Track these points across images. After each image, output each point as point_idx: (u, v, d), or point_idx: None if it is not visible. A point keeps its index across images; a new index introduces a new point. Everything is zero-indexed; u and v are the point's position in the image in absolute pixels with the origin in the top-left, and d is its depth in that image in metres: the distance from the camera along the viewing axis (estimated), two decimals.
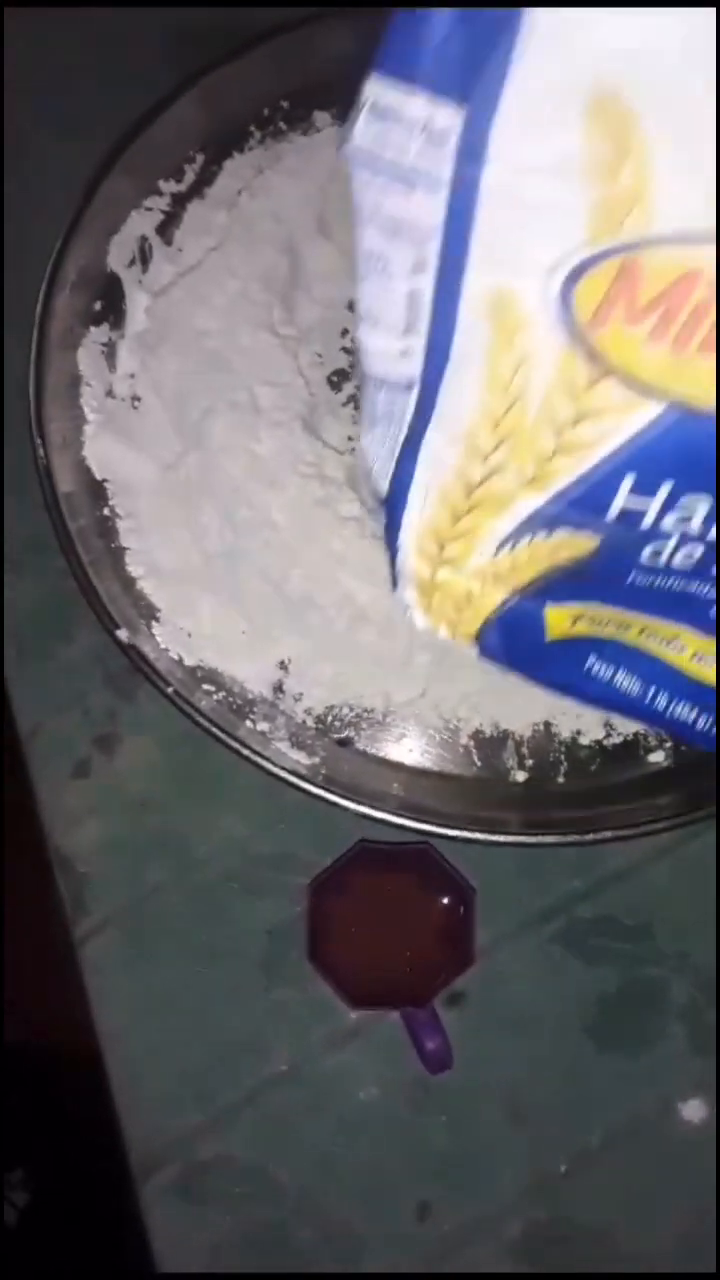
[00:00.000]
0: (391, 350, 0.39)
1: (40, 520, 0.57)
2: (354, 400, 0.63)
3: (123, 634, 0.55)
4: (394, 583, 0.48)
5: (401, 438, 0.42)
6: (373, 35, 0.67)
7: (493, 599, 0.45)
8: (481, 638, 0.47)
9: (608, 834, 0.53)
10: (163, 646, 0.58)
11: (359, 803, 0.53)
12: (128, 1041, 0.54)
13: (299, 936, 0.53)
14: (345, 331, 0.65)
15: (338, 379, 0.64)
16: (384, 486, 0.45)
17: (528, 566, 0.43)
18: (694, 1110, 0.54)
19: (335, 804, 0.53)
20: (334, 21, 0.69)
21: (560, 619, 0.45)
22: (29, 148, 0.71)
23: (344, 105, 0.69)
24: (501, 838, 0.53)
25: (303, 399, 0.61)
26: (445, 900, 0.51)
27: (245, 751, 0.53)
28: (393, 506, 0.44)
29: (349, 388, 0.64)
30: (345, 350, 0.65)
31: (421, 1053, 0.51)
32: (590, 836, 0.53)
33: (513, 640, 0.46)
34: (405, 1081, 0.53)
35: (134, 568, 0.60)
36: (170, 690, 0.54)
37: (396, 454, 0.43)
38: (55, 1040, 0.52)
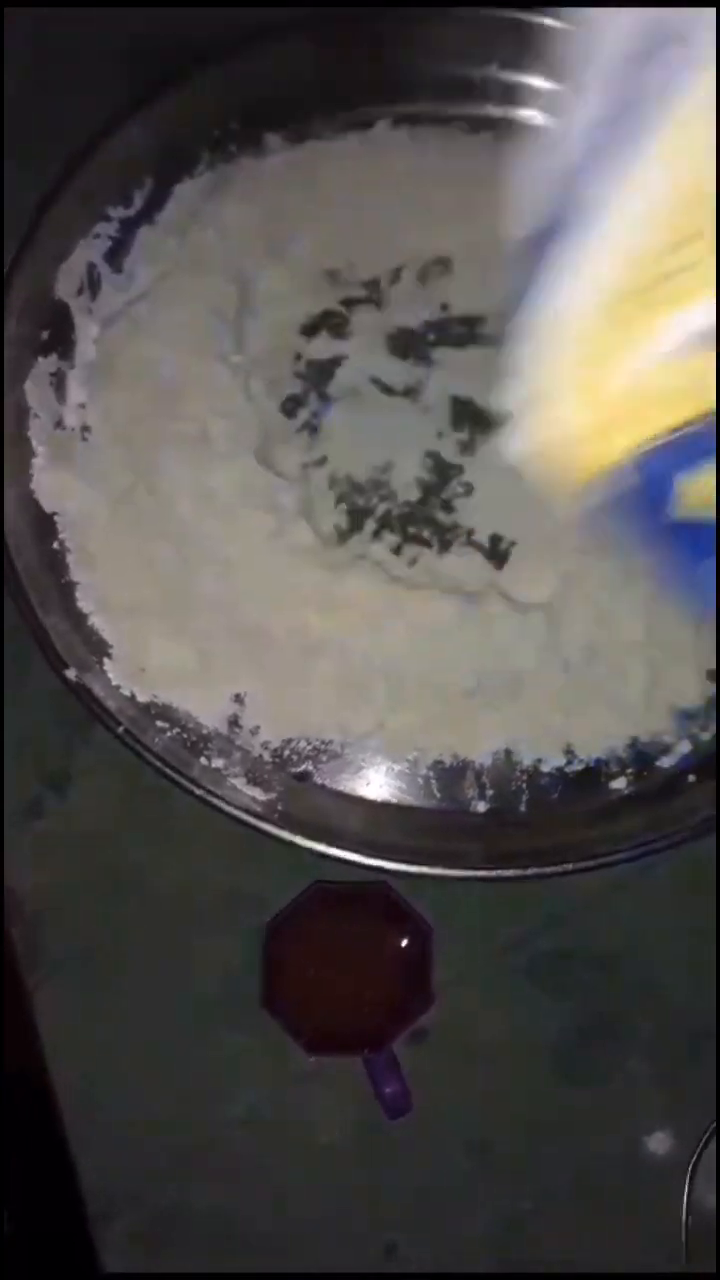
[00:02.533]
0: None
1: None
2: (308, 427, 0.63)
3: (71, 673, 0.54)
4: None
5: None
6: (325, 53, 0.68)
7: (624, 440, 0.37)
8: (590, 491, 0.39)
9: (569, 867, 0.53)
10: (114, 683, 0.57)
11: (317, 840, 0.52)
12: (84, 1088, 0.53)
13: (255, 977, 0.52)
14: (298, 356, 0.64)
15: (291, 405, 0.63)
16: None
17: (680, 402, 0.35)
18: (660, 1143, 0.53)
19: (292, 843, 0.52)
20: (286, 39, 0.68)
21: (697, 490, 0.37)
22: None
23: (295, 126, 0.69)
24: (463, 872, 0.53)
25: (254, 428, 0.61)
26: (403, 941, 0.50)
27: (198, 791, 0.53)
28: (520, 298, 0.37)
29: (303, 414, 0.63)
30: (298, 375, 0.64)
31: (380, 1097, 0.50)
32: (551, 870, 0.52)
33: (629, 504, 0.39)
34: (368, 1122, 0.52)
35: (84, 603, 0.59)
36: (121, 730, 0.53)
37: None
38: (9, 1088, 0.51)
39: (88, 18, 0.71)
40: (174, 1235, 0.52)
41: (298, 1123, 0.53)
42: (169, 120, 0.67)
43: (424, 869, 0.52)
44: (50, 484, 0.61)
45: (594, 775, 0.58)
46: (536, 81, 0.69)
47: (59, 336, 0.64)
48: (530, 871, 0.52)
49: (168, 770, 0.53)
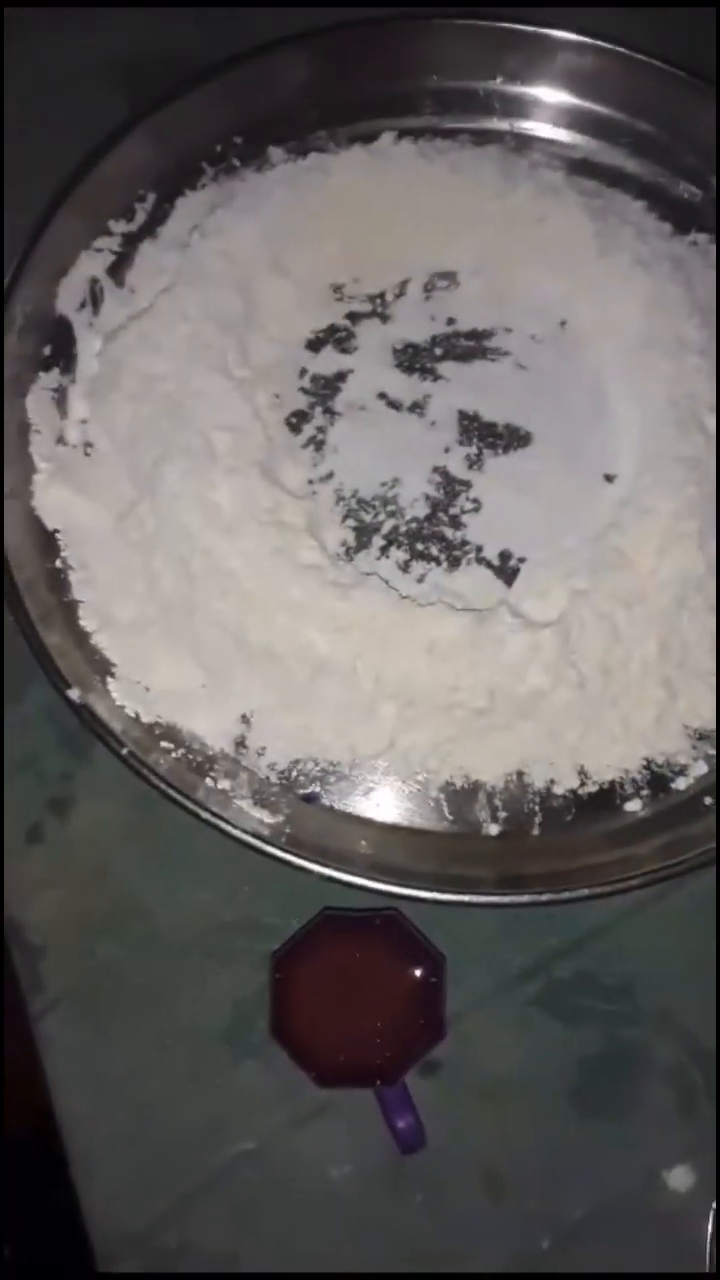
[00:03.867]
0: None
1: None
2: (314, 442, 0.62)
3: (74, 693, 0.53)
4: None
5: None
6: (327, 66, 0.67)
7: None
8: None
9: (584, 892, 0.51)
10: (119, 703, 0.56)
11: (325, 865, 0.51)
12: (88, 1123, 0.51)
13: (264, 1007, 0.50)
14: (304, 371, 0.64)
15: (296, 420, 0.62)
16: None
17: None
18: (680, 1178, 0.51)
19: (300, 868, 0.50)
20: (289, 51, 0.68)
21: None
22: None
23: (299, 138, 0.68)
24: (475, 898, 0.51)
25: (259, 443, 0.60)
26: (415, 971, 0.49)
27: (204, 814, 0.51)
28: None
29: (308, 429, 0.62)
30: (304, 390, 0.63)
31: (393, 1132, 0.48)
32: (566, 895, 0.51)
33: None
34: (379, 1157, 0.50)
35: (87, 621, 0.57)
36: (125, 751, 0.52)
37: None
38: (12, 1123, 0.49)
39: (89, 30, 0.71)
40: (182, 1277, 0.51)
41: (308, 1158, 0.51)
42: (171, 133, 0.66)
43: (435, 894, 0.51)
44: (52, 500, 0.60)
45: (608, 797, 0.56)
46: (543, 93, 0.69)
47: (61, 351, 0.63)
48: (545, 897, 0.51)
49: (173, 793, 0.51)
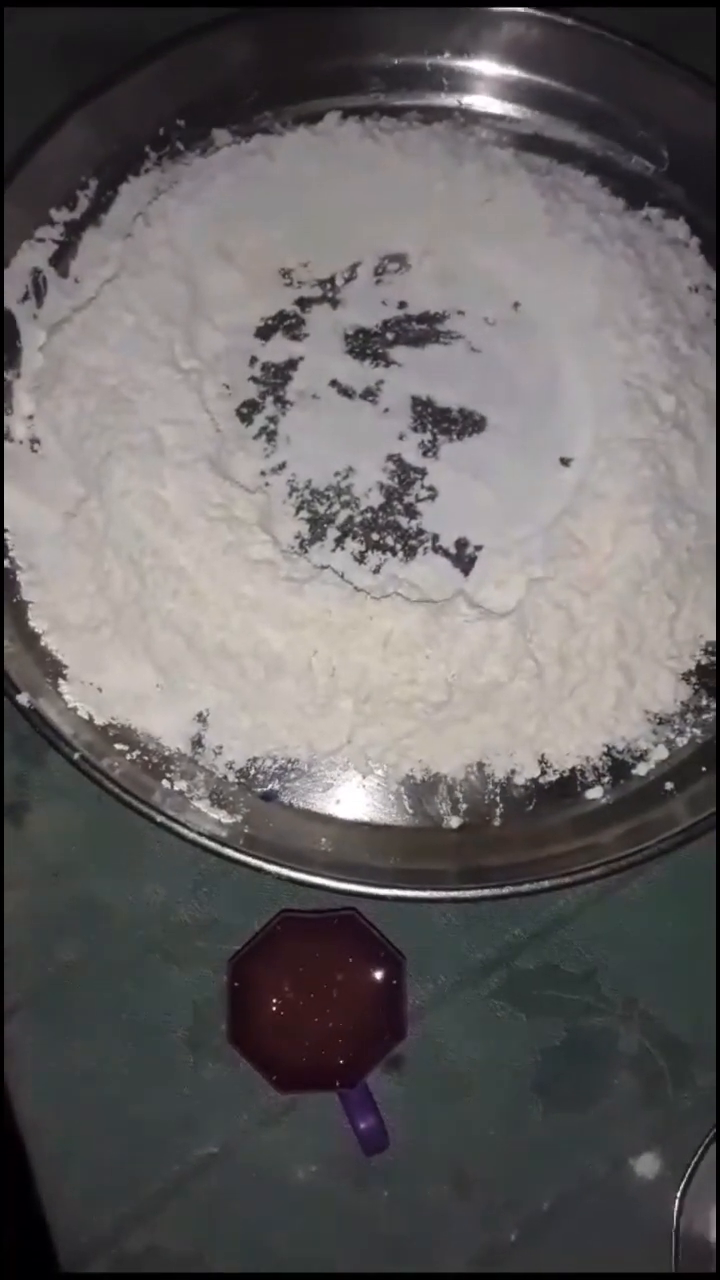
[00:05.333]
0: None
1: None
2: (265, 433, 0.61)
3: (23, 698, 0.52)
4: None
5: None
6: (269, 45, 0.66)
7: None
8: None
9: (545, 884, 0.51)
10: (71, 705, 0.55)
11: (284, 866, 0.50)
12: (51, 1127, 0.51)
13: (225, 1009, 0.50)
14: (253, 360, 0.62)
15: (247, 410, 0.61)
16: None
17: None
18: (647, 1165, 0.52)
19: (258, 869, 0.50)
20: (231, 30, 0.66)
21: None
22: None
23: (244, 120, 0.67)
24: (436, 894, 0.51)
25: (209, 436, 0.59)
26: (374, 972, 0.48)
27: (160, 818, 0.51)
28: None
29: (259, 419, 0.61)
30: (254, 380, 0.62)
31: (356, 1133, 0.48)
32: (527, 887, 0.51)
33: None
34: (345, 1156, 0.50)
35: (37, 622, 0.57)
36: (77, 756, 0.51)
37: None
38: None
39: (21, 16, 0.69)
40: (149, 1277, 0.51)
41: (273, 1158, 0.51)
42: (112, 117, 0.65)
43: (396, 891, 0.50)
44: None
45: (569, 785, 0.56)
46: (490, 68, 0.68)
47: (4, 346, 0.61)
48: (506, 890, 0.51)
49: (128, 798, 0.51)
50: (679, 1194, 0.50)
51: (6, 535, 0.58)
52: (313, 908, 0.52)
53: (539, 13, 0.65)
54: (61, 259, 0.64)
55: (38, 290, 0.63)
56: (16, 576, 0.57)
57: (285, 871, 0.50)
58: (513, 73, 0.67)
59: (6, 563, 0.58)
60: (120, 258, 0.62)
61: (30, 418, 0.61)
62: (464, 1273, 0.51)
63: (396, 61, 0.68)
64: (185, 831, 0.51)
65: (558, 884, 0.51)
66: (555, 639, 0.55)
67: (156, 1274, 0.51)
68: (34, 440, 0.60)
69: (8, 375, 0.61)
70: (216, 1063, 0.51)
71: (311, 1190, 0.50)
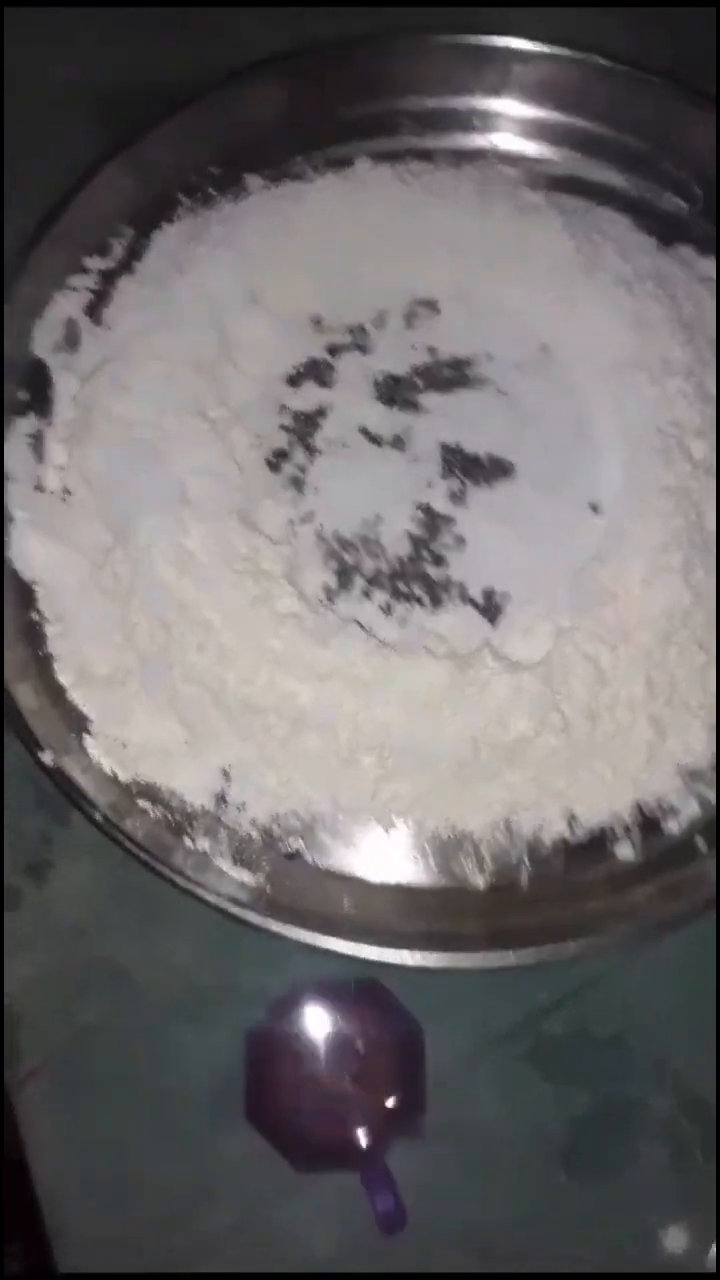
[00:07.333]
0: None
1: None
2: (295, 482, 0.60)
3: (48, 757, 0.52)
4: None
5: None
6: (300, 92, 0.66)
7: None
8: None
9: (573, 947, 0.50)
10: (96, 761, 0.55)
11: (307, 930, 0.50)
12: (68, 1194, 0.50)
13: (243, 1076, 0.49)
14: (283, 407, 0.62)
15: (276, 459, 0.61)
16: None
17: None
18: (675, 1239, 0.50)
19: (280, 935, 0.49)
20: (262, 77, 0.66)
21: None
22: None
23: (276, 166, 0.67)
24: (462, 962, 0.50)
25: (236, 486, 0.58)
26: (394, 1047, 0.47)
27: (181, 881, 0.50)
28: None
29: (288, 467, 0.61)
30: (283, 428, 0.62)
31: (374, 1212, 0.47)
32: (555, 954, 0.50)
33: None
34: (364, 1227, 0.49)
35: (63, 675, 0.57)
36: (99, 817, 0.51)
37: None
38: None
39: (58, 64, 0.70)
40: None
41: (291, 1231, 0.50)
42: (148, 165, 0.65)
43: (422, 958, 0.50)
44: (29, 551, 0.59)
45: (598, 843, 0.55)
46: (522, 108, 0.67)
47: (38, 395, 0.62)
48: (533, 958, 0.50)
49: (149, 860, 0.51)
50: (713, 1263, 0.49)
51: (36, 586, 0.58)
52: (334, 973, 0.51)
53: (571, 53, 0.64)
54: (95, 308, 0.64)
55: (71, 339, 0.63)
56: (44, 629, 0.57)
57: (307, 938, 0.50)
58: (544, 112, 0.67)
59: (34, 614, 0.58)
60: (152, 306, 0.63)
61: (62, 468, 0.61)
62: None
63: (428, 104, 0.68)
64: (207, 895, 0.50)
65: (587, 950, 0.50)
66: (584, 692, 0.54)
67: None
68: (65, 490, 0.60)
69: (40, 424, 0.61)
70: (235, 1131, 0.50)
71: (329, 1264, 0.49)
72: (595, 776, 0.55)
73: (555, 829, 0.55)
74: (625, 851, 0.55)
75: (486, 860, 0.55)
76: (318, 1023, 0.47)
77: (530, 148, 0.67)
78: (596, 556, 0.57)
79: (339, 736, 0.54)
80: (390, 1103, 0.47)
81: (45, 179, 0.64)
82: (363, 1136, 0.46)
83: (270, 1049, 0.47)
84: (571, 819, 0.55)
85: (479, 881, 0.54)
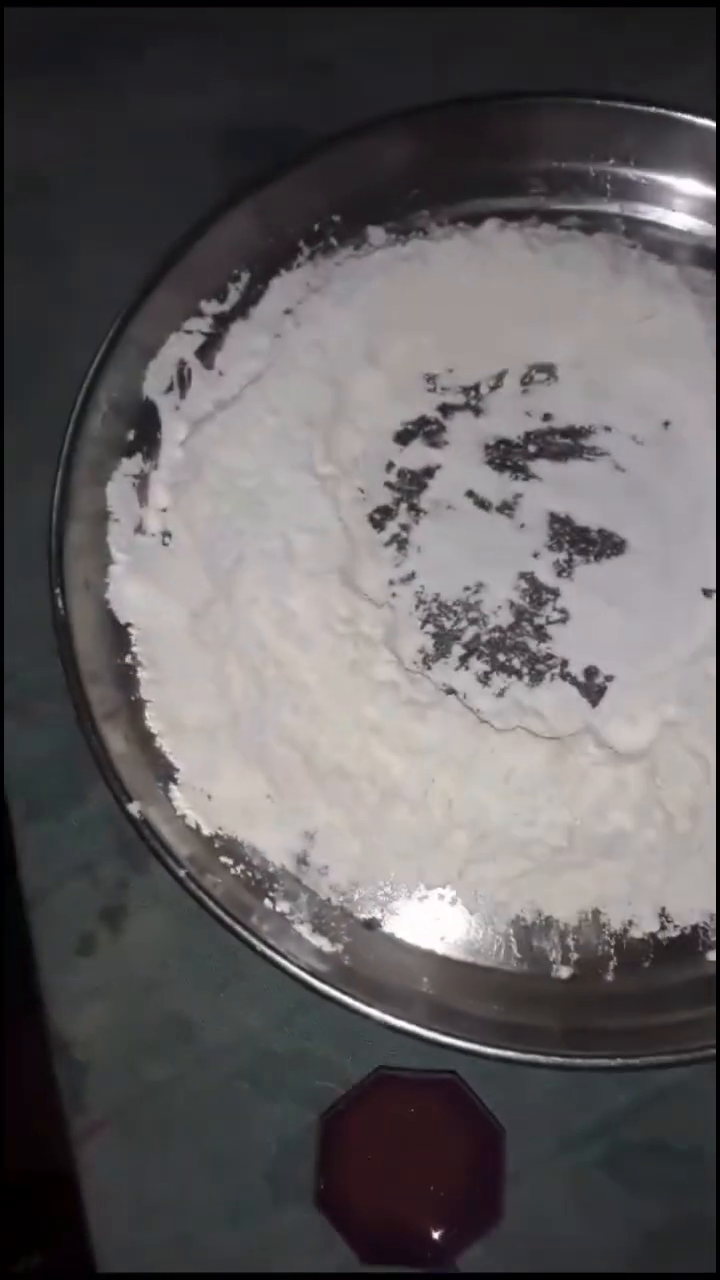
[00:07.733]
0: None
1: (56, 664, 0.54)
2: (397, 540, 0.59)
3: (134, 807, 0.51)
4: None
5: None
6: (429, 145, 0.65)
7: None
8: None
9: (654, 1060, 0.48)
10: (180, 812, 0.54)
11: (383, 1010, 0.48)
12: (125, 1254, 0.49)
13: (312, 1149, 0.48)
14: (390, 465, 0.61)
15: (380, 516, 0.60)
16: None
17: None
18: None
19: (356, 1011, 0.48)
20: (393, 129, 0.66)
21: None
22: (66, 257, 0.68)
23: (400, 219, 0.66)
24: (541, 1057, 0.48)
25: (340, 546, 0.58)
26: (474, 1146, 0.46)
27: (259, 945, 0.49)
28: None
29: (392, 526, 0.60)
30: (389, 485, 0.61)
31: None
32: (638, 1061, 0.48)
33: None
34: None
35: (154, 723, 0.56)
36: (183, 874, 0.50)
37: None
38: (50, 1243, 0.48)
39: (184, 106, 0.70)
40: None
41: None
42: (271, 211, 0.65)
43: (500, 1051, 0.48)
44: (127, 593, 0.58)
45: (690, 943, 0.53)
46: (659, 176, 0.66)
47: (145, 436, 0.61)
48: (616, 1063, 0.48)
49: (228, 919, 0.50)
50: None
51: (131, 630, 0.57)
52: (411, 1061, 0.49)
53: (715, 124, 0.63)
54: (207, 352, 0.64)
55: (182, 382, 0.63)
56: (137, 674, 0.57)
57: (384, 1018, 0.48)
58: (683, 182, 0.65)
59: (128, 658, 0.57)
60: (267, 357, 0.62)
61: (164, 511, 0.60)
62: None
63: (560, 166, 0.67)
64: (283, 962, 0.49)
65: (670, 1060, 0.48)
66: (689, 789, 0.52)
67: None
68: (166, 534, 0.60)
69: (145, 466, 0.61)
70: (297, 1204, 0.49)
71: None
72: (692, 875, 0.53)
73: (645, 925, 0.53)
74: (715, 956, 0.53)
75: (571, 950, 0.53)
76: (395, 1110, 0.46)
77: (665, 217, 0.66)
78: (707, 646, 0.55)
79: (431, 812, 0.53)
80: (467, 1203, 0.45)
81: (167, 223, 0.63)
82: (439, 1236, 0.44)
83: (344, 1133, 0.46)
84: (663, 916, 0.53)
85: (562, 972, 0.53)
